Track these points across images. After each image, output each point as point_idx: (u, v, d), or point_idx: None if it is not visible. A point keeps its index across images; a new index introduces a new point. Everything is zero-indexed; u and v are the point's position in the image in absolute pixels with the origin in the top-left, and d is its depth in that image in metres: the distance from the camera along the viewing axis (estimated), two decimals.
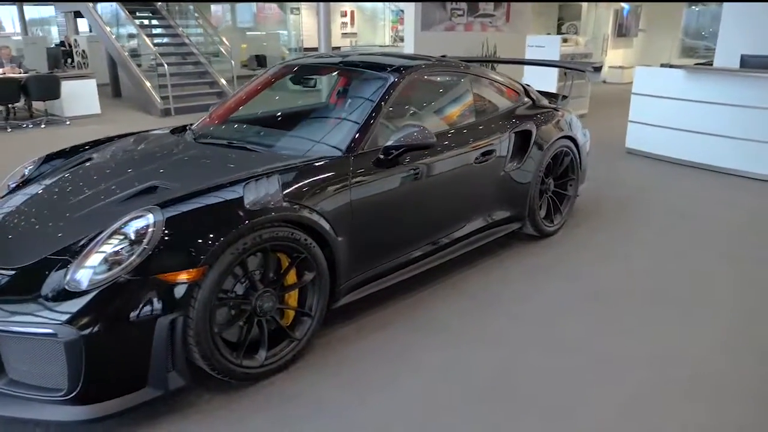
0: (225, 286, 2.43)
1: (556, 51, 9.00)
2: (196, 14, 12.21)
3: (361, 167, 2.91)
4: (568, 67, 4.79)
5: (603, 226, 4.60)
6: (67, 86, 9.62)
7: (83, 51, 14.50)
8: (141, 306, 2.17)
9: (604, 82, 15.75)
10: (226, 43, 11.77)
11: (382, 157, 2.99)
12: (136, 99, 11.08)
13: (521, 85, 4.57)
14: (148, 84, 10.38)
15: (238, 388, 2.53)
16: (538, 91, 4.93)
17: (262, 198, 2.48)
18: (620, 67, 15.09)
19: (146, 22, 11.68)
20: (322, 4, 9.30)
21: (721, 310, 3.31)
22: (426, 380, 2.63)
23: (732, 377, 2.68)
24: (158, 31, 12.01)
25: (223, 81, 11.40)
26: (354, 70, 3.60)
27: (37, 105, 9.63)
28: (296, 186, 2.65)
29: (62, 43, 16.50)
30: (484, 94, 3.90)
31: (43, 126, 9.19)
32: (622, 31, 15.59)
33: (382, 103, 3.15)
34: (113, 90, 12.59)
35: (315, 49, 12.98)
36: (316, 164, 2.82)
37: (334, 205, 2.74)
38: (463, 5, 10.98)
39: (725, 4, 7.31)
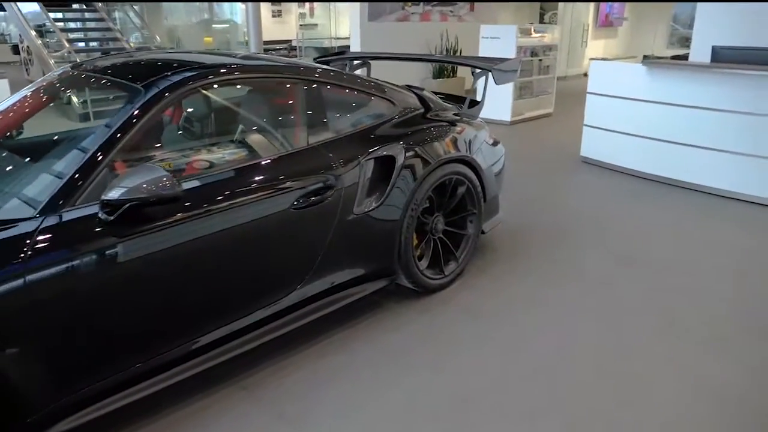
0: None
1: (511, 43, 7.87)
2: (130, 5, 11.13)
3: (61, 233, 1.88)
4: (473, 65, 3.69)
5: (516, 274, 3.54)
6: None
7: (28, 47, 13.45)
8: None
9: (585, 75, 14.60)
10: (158, 38, 10.68)
11: (101, 216, 1.96)
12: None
13: (413, 90, 3.51)
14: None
15: None
16: (443, 96, 3.88)
17: None
18: (602, 59, 13.89)
19: (71, 15, 10.60)
20: None
21: None
22: None
23: None
24: (91, 24, 10.95)
25: None
26: (109, 80, 2.53)
27: None
28: None
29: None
30: (327, 109, 2.83)
31: None
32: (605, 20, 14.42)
33: (119, 134, 2.10)
34: None
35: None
36: None
37: None
38: None
39: None
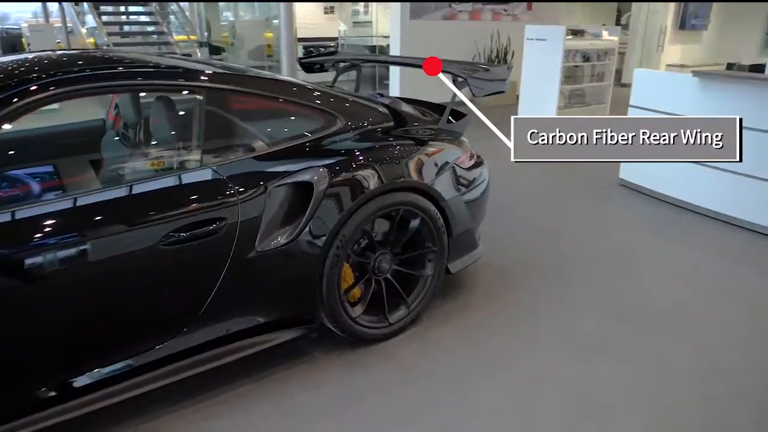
0: None
1: (558, 46, 7.10)
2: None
3: None
4: (453, 73, 3.09)
5: (487, 326, 2.94)
6: None
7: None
8: None
9: None
10: (197, 34, 10.67)
11: None
12: None
13: (383, 101, 2.99)
14: None
15: None
16: (425, 105, 3.32)
17: None
18: (681, 66, 12.62)
19: (122, 8, 10.78)
20: None
21: None
22: None
23: None
24: (139, 19, 11.12)
25: None
26: None
27: None
28: None
29: None
30: (231, 123, 2.34)
31: None
32: (685, 22, 13.06)
33: None
34: None
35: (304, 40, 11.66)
36: None
37: None
38: None
39: None
